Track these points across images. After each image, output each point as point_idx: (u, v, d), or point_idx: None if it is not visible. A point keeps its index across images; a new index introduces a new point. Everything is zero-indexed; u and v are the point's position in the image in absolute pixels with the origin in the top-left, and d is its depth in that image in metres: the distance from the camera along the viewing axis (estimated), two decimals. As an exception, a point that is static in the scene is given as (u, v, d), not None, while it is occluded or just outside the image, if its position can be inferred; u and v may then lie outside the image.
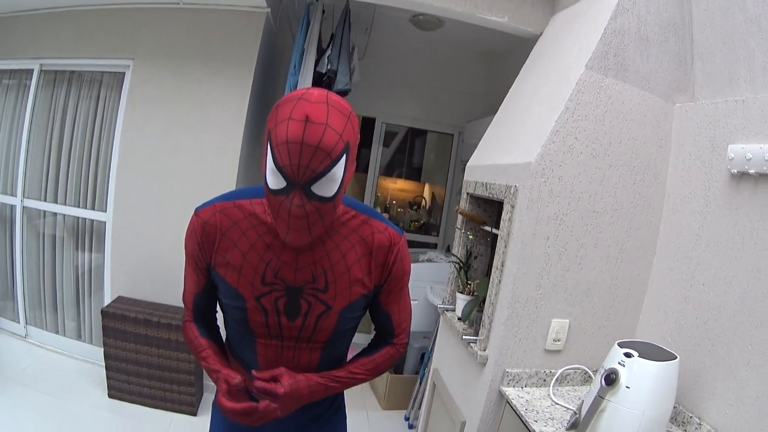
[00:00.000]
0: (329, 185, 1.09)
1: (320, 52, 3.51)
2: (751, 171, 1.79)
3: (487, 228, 2.54)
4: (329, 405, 1.58)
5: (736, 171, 1.88)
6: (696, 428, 1.89)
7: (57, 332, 4.09)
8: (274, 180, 1.09)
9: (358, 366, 1.43)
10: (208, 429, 1.62)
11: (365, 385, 4.39)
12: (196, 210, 1.30)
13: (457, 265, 2.68)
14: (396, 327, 1.47)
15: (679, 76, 2.24)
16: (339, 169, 1.09)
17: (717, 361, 1.88)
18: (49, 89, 3.91)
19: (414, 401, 3.81)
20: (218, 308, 1.47)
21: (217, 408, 1.34)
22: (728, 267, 1.90)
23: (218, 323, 1.53)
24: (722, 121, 2.01)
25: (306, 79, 3.35)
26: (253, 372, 1.27)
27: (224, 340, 1.52)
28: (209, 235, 1.27)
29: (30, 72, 3.88)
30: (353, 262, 1.30)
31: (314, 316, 1.30)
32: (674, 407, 1.90)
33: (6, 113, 4.06)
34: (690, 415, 1.93)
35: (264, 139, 1.13)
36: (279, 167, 1.05)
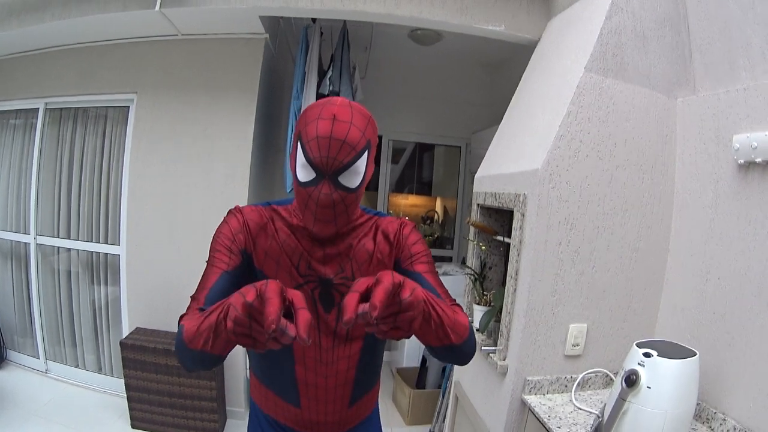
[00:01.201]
0: (353, 177, 1.20)
1: (321, 74, 3.53)
2: (758, 160, 1.78)
3: (500, 238, 2.54)
4: (367, 414, 1.55)
5: (743, 161, 1.86)
6: (721, 424, 1.87)
7: (77, 366, 4.12)
8: (304, 173, 1.20)
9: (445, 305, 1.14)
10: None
11: (388, 402, 4.39)
12: (236, 207, 1.37)
13: (472, 277, 2.68)
14: (437, 287, 1.32)
15: (678, 70, 2.24)
16: (362, 163, 1.20)
17: (738, 355, 1.86)
18: (56, 127, 3.95)
19: (438, 415, 3.78)
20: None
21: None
22: (742, 259, 1.88)
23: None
24: (725, 111, 2.00)
25: (309, 102, 3.36)
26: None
27: (255, 378, 1.47)
28: (247, 227, 1.32)
29: (35, 111, 3.93)
30: (372, 248, 1.37)
31: None
32: (697, 404, 1.87)
33: (15, 152, 4.11)
34: (714, 411, 1.91)
35: (294, 140, 1.25)
36: (309, 160, 1.17)
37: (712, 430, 1.91)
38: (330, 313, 1.34)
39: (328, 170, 1.16)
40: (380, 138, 5.23)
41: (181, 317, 1.17)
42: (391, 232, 1.40)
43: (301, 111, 3.26)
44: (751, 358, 1.80)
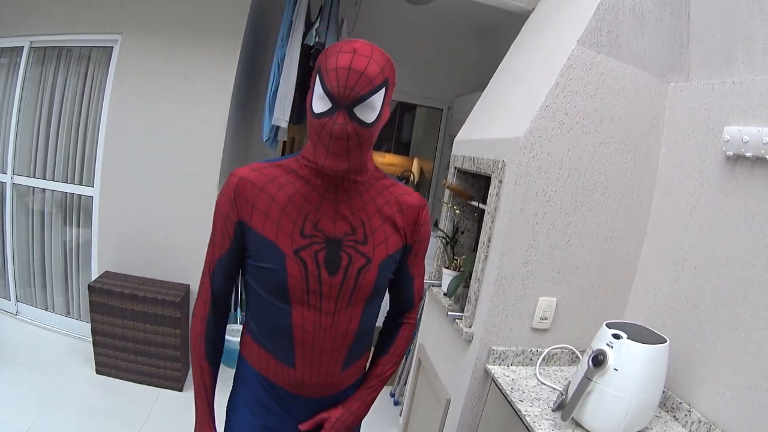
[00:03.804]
0: (369, 111, 1.19)
1: (308, 25, 3.47)
2: (748, 154, 1.76)
3: (475, 203, 2.51)
4: None
5: (731, 153, 1.84)
6: (686, 415, 1.87)
7: (47, 309, 4.08)
8: (320, 104, 1.19)
9: (382, 367, 1.55)
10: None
11: None
12: (233, 171, 1.35)
13: (443, 240, 2.67)
14: (416, 295, 1.58)
15: (674, 55, 2.20)
16: (378, 98, 1.20)
17: (708, 347, 1.85)
18: (39, 66, 3.86)
19: (399, 378, 3.80)
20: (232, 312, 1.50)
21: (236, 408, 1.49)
22: (722, 251, 1.87)
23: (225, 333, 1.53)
24: (718, 102, 1.97)
25: (293, 51, 3.32)
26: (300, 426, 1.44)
27: (249, 336, 1.48)
28: (244, 191, 1.31)
29: (20, 50, 3.83)
30: (388, 216, 1.39)
31: (355, 269, 1.34)
32: (663, 392, 1.88)
33: (-4, 91, 4.02)
34: (679, 401, 1.91)
35: (312, 75, 1.25)
36: (327, 90, 1.16)
37: (677, 419, 1.91)
38: (334, 276, 1.32)
39: (344, 101, 1.16)
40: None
41: (195, 306, 1.43)
42: (411, 210, 1.43)
43: (284, 59, 3.27)
44: (721, 352, 1.80)
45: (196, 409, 1.44)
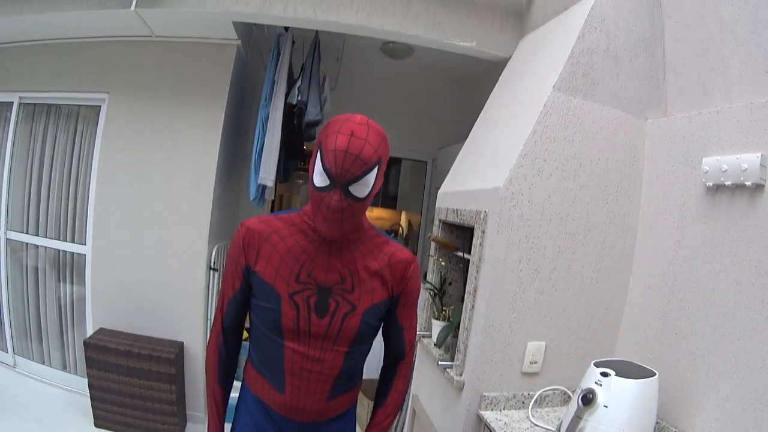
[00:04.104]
0: (362, 188, 1.37)
1: (291, 83, 3.52)
2: (728, 183, 1.79)
3: (460, 254, 2.54)
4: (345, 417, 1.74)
5: (711, 184, 1.88)
6: None
7: (43, 363, 4.08)
8: (320, 179, 1.36)
9: (379, 418, 1.71)
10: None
11: None
12: (242, 222, 1.55)
13: (431, 292, 2.69)
14: (407, 343, 1.70)
15: (650, 91, 2.25)
16: (371, 176, 1.37)
17: (699, 375, 1.87)
18: (29, 122, 3.91)
19: (396, 428, 3.78)
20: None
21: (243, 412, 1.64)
22: (707, 281, 1.89)
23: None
24: (696, 134, 2.01)
25: (277, 110, 3.37)
26: None
27: (248, 363, 1.67)
28: (251, 239, 1.51)
29: (10, 105, 3.88)
30: (376, 270, 1.54)
31: (341, 314, 1.50)
32: (657, 423, 1.88)
33: (-14, 146, 4.04)
34: (674, 430, 1.92)
35: (314, 148, 1.42)
36: (326, 169, 1.34)
37: None
38: (322, 318, 1.49)
39: (340, 180, 1.33)
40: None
41: (211, 340, 1.63)
42: (400, 264, 1.58)
43: (268, 119, 3.31)
44: (713, 379, 1.81)
45: (209, 426, 1.63)
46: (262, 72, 3.73)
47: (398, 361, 1.73)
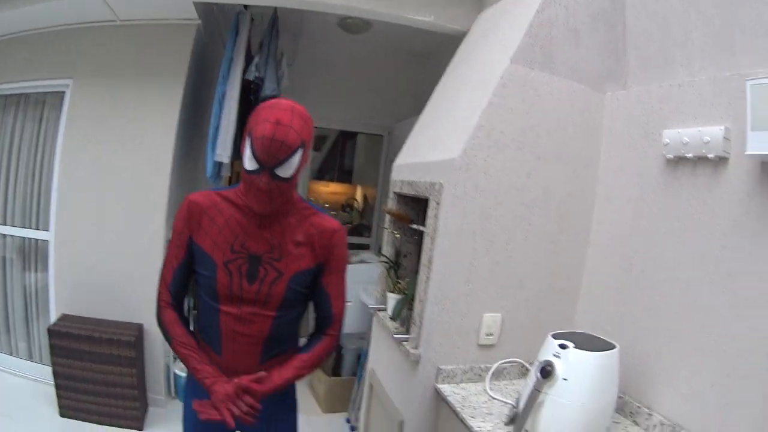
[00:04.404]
0: (288, 169, 1.51)
1: (249, 61, 3.51)
2: (689, 155, 1.79)
3: (415, 226, 2.52)
4: (284, 404, 1.91)
5: (671, 156, 1.88)
6: (646, 419, 1.89)
7: (11, 353, 4.00)
8: (249, 163, 1.50)
9: (299, 361, 1.73)
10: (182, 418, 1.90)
11: (304, 390, 4.40)
12: (186, 196, 1.69)
13: (386, 265, 2.68)
14: (334, 309, 1.79)
15: (610, 64, 2.25)
16: (296, 158, 1.51)
17: (664, 349, 1.87)
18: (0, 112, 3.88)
19: (353, 403, 3.80)
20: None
21: (190, 405, 1.67)
22: (669, 253, 1.90)
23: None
24: (656, 106, 2.02)
25: (234, 88, 3.37)
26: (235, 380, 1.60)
27: (197, 329, 1.79)
28: (193, 213, 1.66)
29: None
30: (303, 239, 1.68)
31: (269, 280, 1.65)
32: (620, 397, 1.88)
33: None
34: (638, 405, 1.93)
35: (245, 134, 1.55)
36: (255, 154, 1.47)
37: (637, 424, 1.93)
38: (252, 285, 1.64)
39: (268, 164, 1.48)
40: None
41: (159, 306, 1.72)
42: (325, 234, 1.72)
43: (225, 96, 3.30)
44: (678, 353, 1.82)
45: (196, 373, 1.65)
46: (222, 51, 3.71)
47: (327, 326, 1.81)
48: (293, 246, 1.68)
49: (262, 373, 1.63)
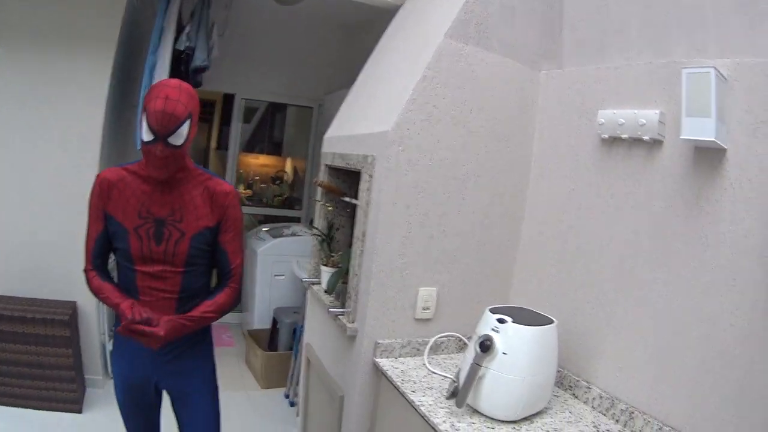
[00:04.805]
0: (179, 138, 1.70)
1: (180, 30, 3.45)
2: (624, 136, 1.84)
3: (347, 199, 2.52)
4: (198, 337, 2.04)
5: (607, 136, 1.92)
6: (585, 392, 1.94)
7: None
8: (146, 135, 1.68)
9: (204, 307, 1.89)
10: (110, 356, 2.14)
11: (242, 366, 4.43)
12: (97, 174, 1.87)
13: (318, 238, 2.68)
14: (232, 263, 1.96)
15: (546, 43, 2.28)
16: (185, 128, 1.71)
17: (600, 325, 1.92)
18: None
19: (291, 378, 3.79)
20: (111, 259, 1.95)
21: (118, 333, 1.80)
22: (604, 231, 1.95)
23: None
24: (592, 87, 2.05)
25: (164, 58, 3.30)
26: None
27: None
28: (104, 188, 1.83)
29: None
30: (200, 202, 1.87)
31: (174, 240, 1.84)
32: (559, 371, 1.93)
33: None
34: (576, 378, 1.98)
35: (141, 110, 1.74)
36: (150, 126, 1.66)
37: (576, 397, 1.98)
38: (159, 245, 1.83)
39: (161, 134, 1.66)
40: (232, 97, 5.40)
41: (86, 277, 1.90)
42: (220, 195, 1.89)
43: (155, 67, 3.24)
44: (614, 329, 1.87)
45: (116, 307, 1.80)
46: (153, 20, 3.61)
47: (228, 279, 1.97)
48: (192, 208, 1.87)
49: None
